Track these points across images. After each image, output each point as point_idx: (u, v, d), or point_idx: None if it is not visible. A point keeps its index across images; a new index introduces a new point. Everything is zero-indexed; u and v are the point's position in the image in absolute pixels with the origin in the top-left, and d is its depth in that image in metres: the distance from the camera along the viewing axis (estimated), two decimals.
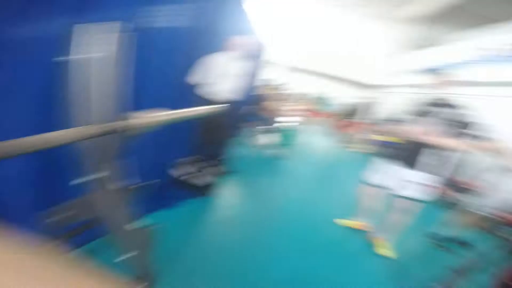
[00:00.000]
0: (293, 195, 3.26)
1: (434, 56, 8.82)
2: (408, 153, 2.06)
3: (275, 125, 4.83)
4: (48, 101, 1.51)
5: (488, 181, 3.97)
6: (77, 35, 0.72)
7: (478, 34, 7.17)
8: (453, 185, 4.39)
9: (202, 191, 2.49)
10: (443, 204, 4.22)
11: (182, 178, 2.48)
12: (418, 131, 1.95)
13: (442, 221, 2.82)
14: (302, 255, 2.06)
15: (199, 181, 2.48)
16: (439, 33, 11.76)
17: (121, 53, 0.76)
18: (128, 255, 0.85)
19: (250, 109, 4.88)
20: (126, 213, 0.84)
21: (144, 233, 0.87)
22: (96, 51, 0.72)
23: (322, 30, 12.93)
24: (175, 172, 2.52)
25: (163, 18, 1.99)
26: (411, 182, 2.06)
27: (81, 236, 1.54)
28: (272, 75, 12.92)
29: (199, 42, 2.93)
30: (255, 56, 3.06)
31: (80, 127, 0.57)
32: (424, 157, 1.99)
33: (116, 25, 0.73)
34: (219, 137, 3.02)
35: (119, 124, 0.68)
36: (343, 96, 12.06)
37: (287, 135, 4.65)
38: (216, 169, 2.60)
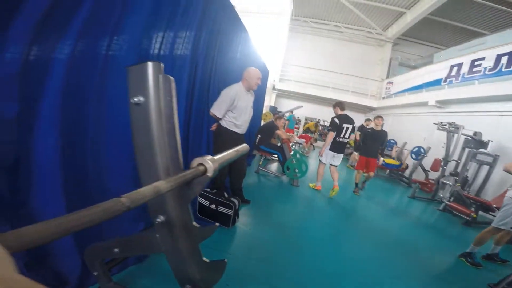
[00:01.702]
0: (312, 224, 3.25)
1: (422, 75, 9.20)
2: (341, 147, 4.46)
3: (287, 152, 4.91)
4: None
5: None
6: (131, 76, 0.74)
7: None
8: (476, 203, 4.34)
9: (226, 220, 2.52)
10: (469, 223, 4.25)
11: (212, 207, 2.52)
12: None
13: (475, 240, 2.79)
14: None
15: (226, 210, 2.51)
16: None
17: (171, 97, 0.78)
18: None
19: (262, 139, 4.99)
20: (195, 249, 0.89)
21: (216, 266, 0.91)
22: (145, 95, 0.73)
23: (320, 58, 13.71)
24: (204, 201, 2.57)
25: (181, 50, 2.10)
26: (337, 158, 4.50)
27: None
28: (279, 103, 13.55)
29: (216, 76, 3.11)
30: (262, 87, 3.20)
31: (158, 182, 0.54)
32: None
33: (159, 65, 0.73)
34: (238, 167, 3.10)
35: (191, 173, 0.67)
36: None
37: (299, 161, 4.71)
38: (237, 199, 2.65)
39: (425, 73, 9.04)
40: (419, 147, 7.15)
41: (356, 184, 5.02)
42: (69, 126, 1.26)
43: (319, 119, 12.98)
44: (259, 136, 4.95)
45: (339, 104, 4.44)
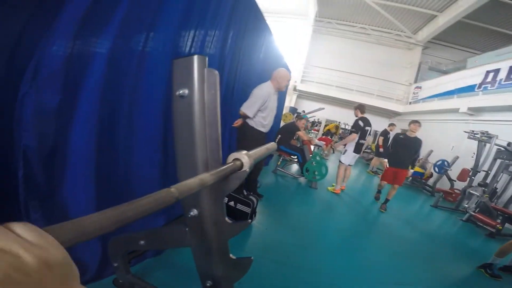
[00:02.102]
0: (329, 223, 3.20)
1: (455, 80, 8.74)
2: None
3: (307, 154, 4.86)
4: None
5: None
6: (176, 69, 0.75)
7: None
8: (504, 215, 4.19)
9: (244, 217, 2.53)
10: (493, 234, 4.11)
11: (230, 204, 2.54)
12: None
13: (498, 251, 2.69)
14: None
15: (244, 208, 2.53)
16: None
17: (215, 92, 0.78)
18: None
19: (282, 139, 4.97)
20: (224, 246, 0.90)
21: (241, 263, 0.92)
22: (190, 87, 0.74)
23: (344, 60, 13.40)
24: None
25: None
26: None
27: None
28: (299, 104, 13.44)
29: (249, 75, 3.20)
30: (285, 88, 3.22)
31: (202, 175, 0.55)
32: None
33: (204, 59, 0.74)
34: (256, 165, 3.11)
35: (230, 167, 0.69)
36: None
37: (319, 163, 4.64)
38: (255, 197, 2.66)
39: (458, 78, 8.57)
40: (443, 161, 6.79)
41: (386, 200, 4.33)
42: (105, 119, 1.32)
43: (339, 122, 12.71)
44: (279, 136, 4.94)
45: (360, 107, 4.49)
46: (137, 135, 1.57)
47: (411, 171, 4.37)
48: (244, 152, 0.72)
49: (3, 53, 0.94)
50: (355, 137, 4.36)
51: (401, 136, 4.36)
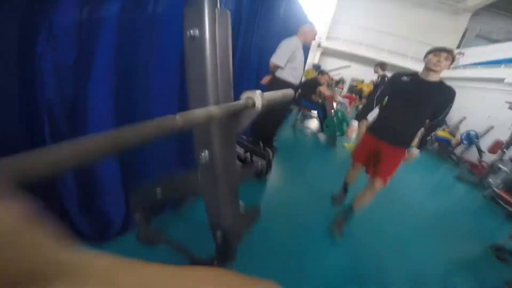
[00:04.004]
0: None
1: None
2: None
3: (328, 110, 4.63)
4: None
5: None
6: (188, 10, 0.73)
7: None
8: None
9: (258, 172, 2.47)
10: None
11: (246, 155, 2.50)
12: None
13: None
14: None
15: (260, 160, 2.45)
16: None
17: (227, 32, 0.76)
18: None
19: (303, 93, 4.72)
20: (234, 192, 0.82)
21: (250, 212, 0.84)
22: (201, 28, 0.72)
23: (379, 20, 12.07)
24: (239, 148, 2.55)
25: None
26: None
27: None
28: (323, 61, 12.64)
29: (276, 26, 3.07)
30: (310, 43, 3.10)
31: (210, 107, 0.53)
32: None
33: (217, 6, 0.72)
34: (275, 119, 2.99)
35: (241, 103, 0.66)
36: None
37: (340, 120, 4.43)
38: (272, 150, 2.57)
39: (509, 48, 7.65)
40: (470, 133, 6.28)
41: (349, 212, 2.20)
42: (121, 73, 1.28)
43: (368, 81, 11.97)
44: (300, 90, 4.67)
45: (381, 64, 4.28)
46: (153, 88, 1.51)
47: (416, 151, 2.00)
48: (259, 91, 0.69)
49: (16, 16, 0.92)
50: None
51: (405, 78, 1.93)
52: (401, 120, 1.92)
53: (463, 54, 10.05)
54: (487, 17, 11.33)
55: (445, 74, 10.24)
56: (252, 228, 0.87)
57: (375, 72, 4.30)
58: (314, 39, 2.91)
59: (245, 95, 0.70)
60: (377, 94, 2.08)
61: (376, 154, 2.05)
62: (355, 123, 2.11)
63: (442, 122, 1.99)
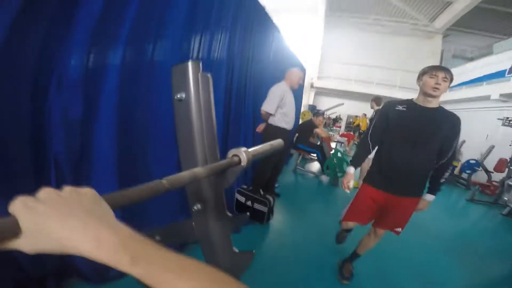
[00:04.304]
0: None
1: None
2: None
3: (327, 151, 4.76)
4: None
5: None
6: (174, 75, 0.81)
7: None
8: None
9: (261, 217, 2.55)
10: None
11: (248, 203, 2.56)
12: None
13: None
14: None
15: (261, 207, 2.54)
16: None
17: (209, 93, 0.82)
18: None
19: (300, 137, 4.91)
20: (227, 239, 0.92)
21: (244, 256, 0.94)
22: (187, 91, 0.80)
23: (362, 53, 13.01)
24: (240, 198, 2.64)
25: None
26: None
27: None
28: (318, 101, 13.23)
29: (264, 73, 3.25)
30: (300, 85, 3.22)
31: (195, 168, 0.58)
32: None
33: (198, 65, 0.79)
34: (273, 166, 3.10)
35: (226, 161, 0.71)
36: None
37: (341, 160, 4.53)
38: (272, 197, 2.67)
39: (485, 64, 8.13)
40: (470, 162, 6.17)
41: (354, 256, 2.04)
42: (122, 124, 1.42)
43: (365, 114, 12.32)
44: (297, 134, 4.88)
45: (376, 99, 4.33)
46: (151, 137, 1.66)
47: (431, 198, 1.67)
48: (244, 148, 0.75)
49: (29, 65, 1.06)
50: None
51: (401, 108, 1.62)
52: (407, 161, 1.53)
53: None
54: (457, 37, 12.19)
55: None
56: (247, 269, 0.96)
57: (372, 107, 4.28)
58: (300, 82, 2.92)
59: (231, 153, 0.76)
60: (369, 131, 1.73)
61: (381, 209, 1.73)
62: (350, 170, 1.76)
63: (454, 158, 1.60)
